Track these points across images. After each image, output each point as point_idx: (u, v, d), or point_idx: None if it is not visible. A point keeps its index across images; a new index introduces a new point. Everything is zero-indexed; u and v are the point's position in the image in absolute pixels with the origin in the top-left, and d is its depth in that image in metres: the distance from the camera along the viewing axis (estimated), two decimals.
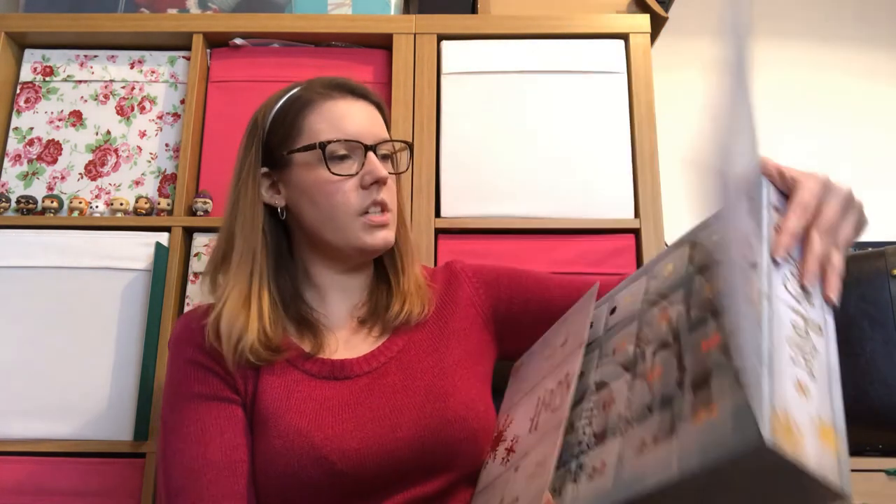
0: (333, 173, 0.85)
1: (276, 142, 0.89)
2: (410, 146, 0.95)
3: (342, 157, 0.86)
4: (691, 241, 0.71)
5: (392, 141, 0.91)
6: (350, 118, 0.87)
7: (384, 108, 0.94)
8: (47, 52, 1.42)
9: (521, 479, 0.71)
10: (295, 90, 0.91)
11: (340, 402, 0.81)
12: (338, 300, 0.91)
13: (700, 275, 0.66)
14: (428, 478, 0.81)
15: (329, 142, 0.85)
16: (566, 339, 0.82)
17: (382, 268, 0.95)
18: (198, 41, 1.38)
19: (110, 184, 1.36)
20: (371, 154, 0.86)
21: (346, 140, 0.85)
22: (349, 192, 0.85)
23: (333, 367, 0.84)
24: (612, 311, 0.78)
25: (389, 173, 0.89)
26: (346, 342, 0.88)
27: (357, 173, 0.86)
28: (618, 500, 0.57)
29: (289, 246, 0.92)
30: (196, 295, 1.28)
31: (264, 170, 0.89)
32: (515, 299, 0.94)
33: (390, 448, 0.79)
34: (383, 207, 0.87)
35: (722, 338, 0.58)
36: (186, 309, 1.27)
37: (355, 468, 0.77)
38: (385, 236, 0.87)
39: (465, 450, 0.82)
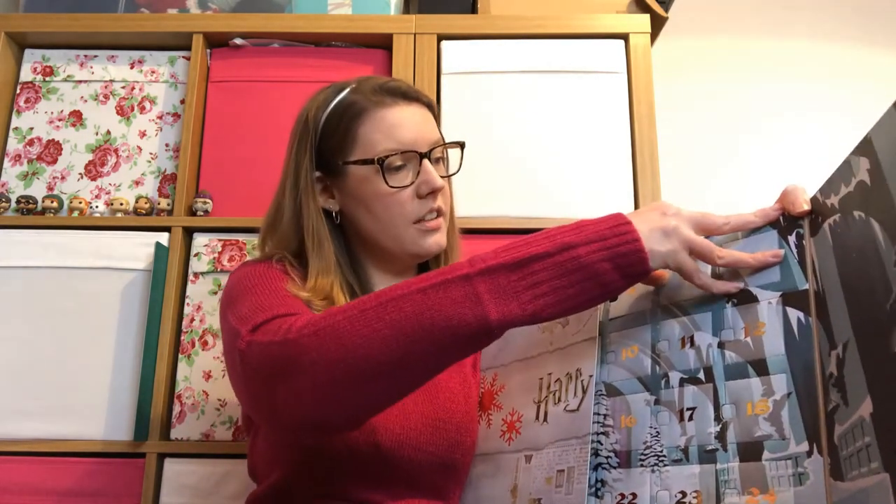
0: (391, 186, 0.85)
1: (330, 149, 0.89)
2: (462, 145, 0.95)
3: (398, 168, 0.86)
4: None
5: (446, 145, 0.91)
6: (404, 125, 0.86)
7: (434, 107, 0.94)
8: (47, 52, 1.42)
9: (540, 480, 0.70)
10: (345, 93, 0.90)
11: None
12: None
13: (732, 305, 0.64)
14: (433, 494, 0.82)
15: (387, 156, 0.85)
16: (567, 317, 0.80)
17: (426, 264, 0.97)
18: (198, 41, 1.38)
19: (110, 184, 1.35)
20: (426, 162, 0.86)
21: (402, 151, 0.85)
22: (406, 202, 0.86)
23: None
24: None
25: (442, 177, 0.89)
26: None
27: (413, 182, 0.86)
28: None
29: (346, 243, 0.93)
30: (196, 295, 1.28)
31: (317, 174, 0.90)
32: None
33: (425, 446, 0.81)
34: (438, 213, 0.88)
35: (773, 409, 0.57)
36: (186, 309, 1.27)
37: (393, 449, 0.79)
38: (438, 240, 0.89)
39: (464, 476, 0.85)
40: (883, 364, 0.46)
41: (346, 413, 0.66)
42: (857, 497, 0.46)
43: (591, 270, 0.62)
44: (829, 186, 0.60)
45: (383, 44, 1.41)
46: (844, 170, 0.57)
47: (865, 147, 0.54)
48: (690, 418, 0.62)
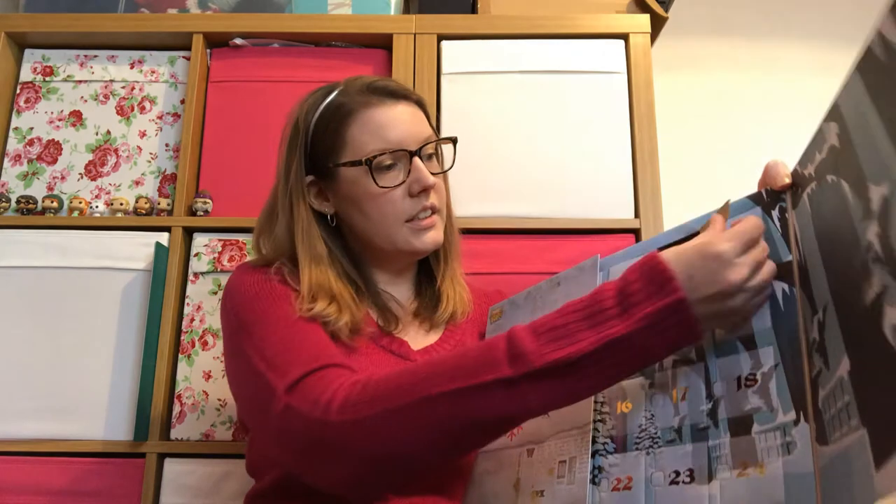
0: (381, 186, 0.85)
1: (321, 152, 0.89)
2: (454, 141, 0.94)
3: (388, 167, 0.86)
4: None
5: (437, 141, 0.91)
6: (392, 125, 0.86)
7: (425, 103, 0.94)
8: (47, 52, 1.42)
9: (542, 473, 0.70)
10: (334, 95, 0.89)
11: None
12: (391, 294, 0.94)
13: None
14: (438, 491, 0.82)
15: (375, 156, 0.84)
16: None
17: (427, 262, 0.97)
18: (198, 41, 1.38)
19: (110, 184, 1.35)
20: (416, 160, 0.86)
21: (391, 151, 0.85)
22: (398, 201, 0.86)
23: (395, 344, 0.88)
24: None
25: (435, 174, 0.89)
26: (406, 330, 0.92)
27: (404, 181, 0.86)
28: None
29: (343, 245, 0.93)
30: (196, 295, 1.28)
31: (310, 178, 0.90)
32: None
33: None
34: (432, 210, 0.88)
35: (762, 382, 0.57)
36: (186, 309, 1.27)
37: None
38: (433, 237, 0.89)
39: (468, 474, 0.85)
40: (857, 319, 0.46)
41: (377, 489, 0.72)
42: (839, 457, 0.47)
43: (642, 354, 0.60)
44: (806, 157, 0.61)
45: (383, 44, 1.41)
46: (818, 138, 0.58)
47: (834, 112, 0.54)
48: (683, 398, 0.62)
